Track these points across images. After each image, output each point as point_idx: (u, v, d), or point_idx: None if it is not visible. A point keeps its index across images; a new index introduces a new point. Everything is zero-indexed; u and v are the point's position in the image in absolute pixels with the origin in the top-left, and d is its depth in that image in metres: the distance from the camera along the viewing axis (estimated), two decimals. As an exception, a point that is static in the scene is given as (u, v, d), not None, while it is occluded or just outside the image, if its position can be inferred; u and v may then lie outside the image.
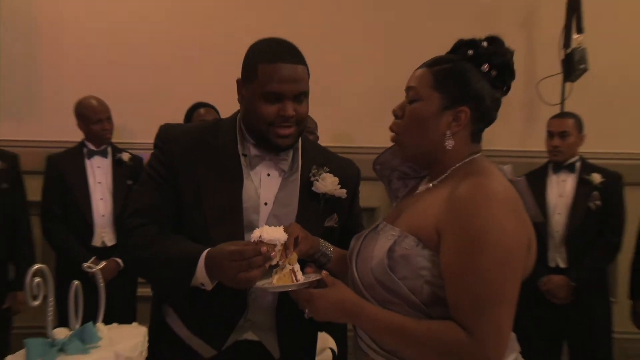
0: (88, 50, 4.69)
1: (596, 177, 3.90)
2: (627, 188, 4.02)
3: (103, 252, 3.96)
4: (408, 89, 1.80)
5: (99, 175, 4.09)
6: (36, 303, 1.56)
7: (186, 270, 1.83)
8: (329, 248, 2.00)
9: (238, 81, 2.02)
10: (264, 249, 1.73)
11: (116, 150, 4.20)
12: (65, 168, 4.03)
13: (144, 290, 4.07)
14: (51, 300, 1.57)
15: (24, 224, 3.93)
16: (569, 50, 4.46)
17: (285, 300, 1.92)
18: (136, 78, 4.67)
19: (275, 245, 1.75)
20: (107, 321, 1.66)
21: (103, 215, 4.04)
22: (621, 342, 4.22)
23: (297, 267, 1.81)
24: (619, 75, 4.80)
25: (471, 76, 1.73)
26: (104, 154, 4.14)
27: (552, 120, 4.03)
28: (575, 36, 4.46)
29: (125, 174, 4.12)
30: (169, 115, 4.46)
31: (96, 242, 4.01)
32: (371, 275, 1.70)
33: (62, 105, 4.52)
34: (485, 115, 1.76)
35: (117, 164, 4.14)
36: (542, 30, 4.72)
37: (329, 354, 3.24)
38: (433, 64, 1.78)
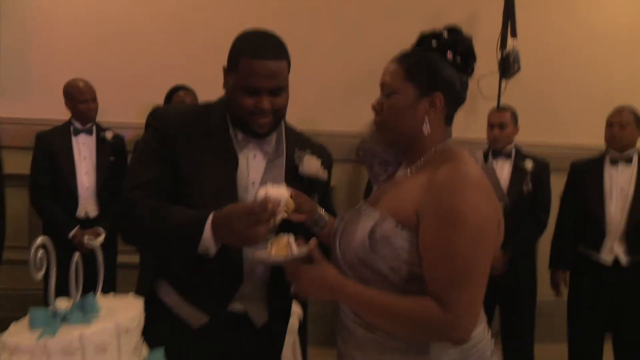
0: (75, 36, 4.46)
1: (528, 164, 3.91)
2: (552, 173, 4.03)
3: (86, 223, 3.84)
4: (382, 85, 1.73)
5: (84, 151, 3.93)
6: (40, 275, 1.41)
7: (194, 233, 1.71)
8: (325, 215, 1.91)
9: (224, 69, 1.90)
10: (270, 205, 1.65)
11: (100, 128, 4.02)
12: (53, 144, 3.88)
13: (124, 258, 3.94)
14: (53, 271, 1.42)
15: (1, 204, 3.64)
16: (505, 52, 4.43)
17: (277, 272, 1.85)
18: (119, 63, 4.45)
19: (280, 202, 1.67)
20: (89, 288, 1.50)
21: (87, 188, 3.89)
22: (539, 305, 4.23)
23: (292, 239, 1.72)
24: (547, 75, 4.80)
25: (439, 64, 1.67)
26: (89, 132, 3.97)
27: (492, 113, 4.01)
28: (510, 40, 4.42)
29: (108, 150, 3.97)
30: (148, 97, 4.33)
31: (80, 213, 3.87)
32: (354, 254, 1.63)
33: (51, 87, 4.32)
34: (456, 98, 1.71)
35: (101, 141, 3.97)
36: (481, 33, 4.53)
37: (295, 321, 3.16)
38: (402, 58, 1.71)
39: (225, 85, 1.90)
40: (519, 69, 4.38)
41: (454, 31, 1.71)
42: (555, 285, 4.01)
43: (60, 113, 4.32)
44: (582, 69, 4.90)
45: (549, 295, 4.09)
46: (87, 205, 3.89)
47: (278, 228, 1.82)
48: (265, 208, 1.64)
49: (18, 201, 4.36)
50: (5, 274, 4.21)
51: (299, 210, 1.83)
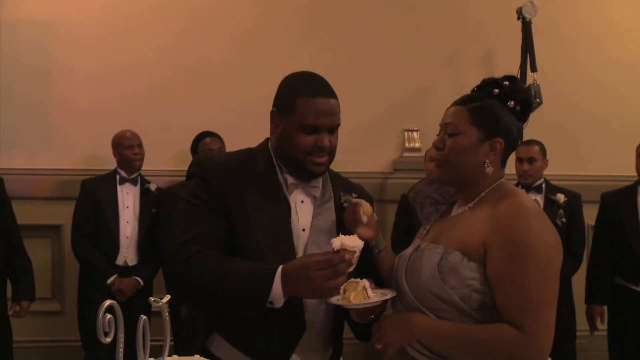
0: (96, 87, 4.43)
1: (561, 197, 3.84)
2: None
3: (125, 271, 3.83)
4: (446, 125, 1.81)
5: (127, 200, 3.93)
6: (108, 340, 1.32)
7: (262, 288, 1.64)
8: (383, 240, 1.96)
9: (273, 112, 1.85)
10: (347, 256, 1.63)
11: (144, 180, 4.03)
12: (98, 191, 3.87)
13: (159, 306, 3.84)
14: (121, 336, 1.34)
15: (18, 241, 3.64)
16: (525, 87, 4.37)
17: (338, 320, 1.88)
18: (142, 112, 4.39)
19: (355, 252, 1.66)
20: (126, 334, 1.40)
21: (127, 237, 3.88)
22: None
23: (367, 283, 1.71)
24: (570, 107, 4.75)
25: (500, 111, 1.78)
26: (134, 182, 3.98)
27: (520, 147, 3.90)
28: (530, 74, 4.39)
29: (151, 202, 3.97)
30: (176, 145, 4.31)
31: (119, 261, 3.86)
32: (425, 288, 1.70)
33: (71, 138, 4.37)
34: (513, 144, 1.81)
35: (144, 192, 3.98)
36: (500, 68, 4.54)
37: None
38: (466, 101, 1.81)
39: (276, 128, 1.85)
40: (540, 102, 4.31)
41: (513, 80, 1.83)
42: (591, 320, 3.88)
43: (81, 163, 4.30)
44: (605, 99, 4.85)
45: (587, 330, 3.97)
46: (127, 253, 3.88)
47: None
48: (344, 259, 1.61)
49: (40, 252, 4.29)
50: (31, 325, 4.15)
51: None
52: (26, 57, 4.37)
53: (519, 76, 4.36)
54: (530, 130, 4.22)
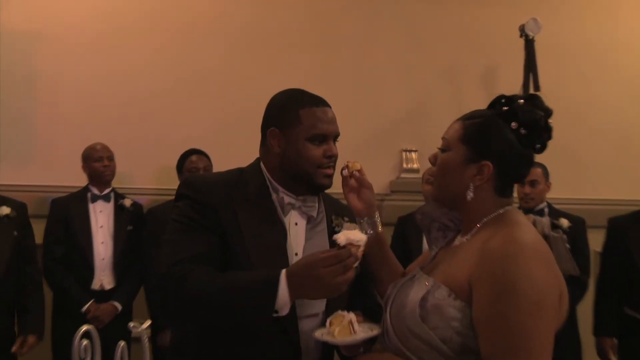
0: (82, 102, 4.37)
1: (564, 222, 3.73)
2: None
3: (101, 296, 3.64)
4: (442, 139, 1.70)
5: (101, 219, 3.77)
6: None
7: (268, 293, 1.59)
8: (379, 224, 1.90)
9: (272, 132, 1.83)
10: (353, 250, 1.61)
11: (118, 196, 3.88)
12: (69, 211, 3.71)
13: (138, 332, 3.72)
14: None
15: (36, 269, 3.48)
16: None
17: (329, 347, 1.84)
18: (128, 128, 4.34)
19: (360, 247, 1.64)
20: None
21: (103, 259, 3.70)
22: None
23: (354, 318, 1.67)
24: (574, 128, 4.66)
25: (498, 132, 1.60)
26: (107, 198, 3.83)
27: (521, 169, 3.86)
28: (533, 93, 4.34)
29: (126, 219, 3.81)
30: (161, 162, 4.23)
31: (95, 285, 3.67)
32: (403, 324, 1.57)
33: (54, 154, 4.30)
34: (510, 171, 1.62)
35: (119, 209, 3.82)
36: (502, 86, 4.53)
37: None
38: (467, 118, 1.67)
39: (278, 147, 1.84)
40: (543, 122, 4.27)
41: (531, 99, 1.66)
42: (602, 354, 3.75)
43: (63, 179, 4.21)
44: (611, 120, 4.80)
45: (594, 363, 3.87)
46: (103, 277, 3.69)
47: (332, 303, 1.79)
48: (351, 253, 1.59)
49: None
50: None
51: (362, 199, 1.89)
52: (13, 68, 4.31)
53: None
54: (533, 151, 4.22)
